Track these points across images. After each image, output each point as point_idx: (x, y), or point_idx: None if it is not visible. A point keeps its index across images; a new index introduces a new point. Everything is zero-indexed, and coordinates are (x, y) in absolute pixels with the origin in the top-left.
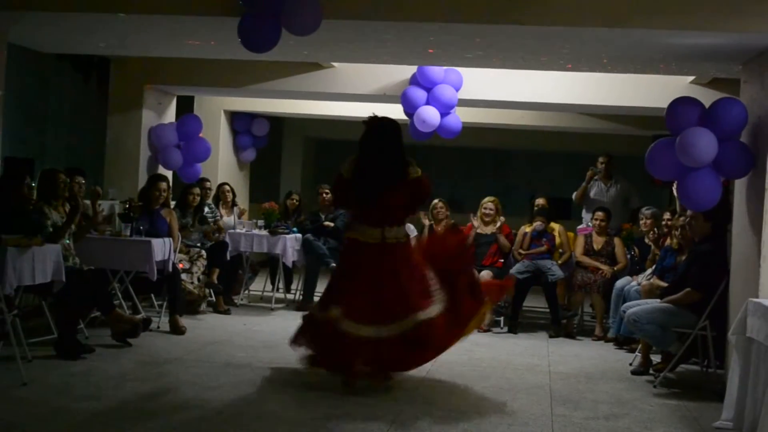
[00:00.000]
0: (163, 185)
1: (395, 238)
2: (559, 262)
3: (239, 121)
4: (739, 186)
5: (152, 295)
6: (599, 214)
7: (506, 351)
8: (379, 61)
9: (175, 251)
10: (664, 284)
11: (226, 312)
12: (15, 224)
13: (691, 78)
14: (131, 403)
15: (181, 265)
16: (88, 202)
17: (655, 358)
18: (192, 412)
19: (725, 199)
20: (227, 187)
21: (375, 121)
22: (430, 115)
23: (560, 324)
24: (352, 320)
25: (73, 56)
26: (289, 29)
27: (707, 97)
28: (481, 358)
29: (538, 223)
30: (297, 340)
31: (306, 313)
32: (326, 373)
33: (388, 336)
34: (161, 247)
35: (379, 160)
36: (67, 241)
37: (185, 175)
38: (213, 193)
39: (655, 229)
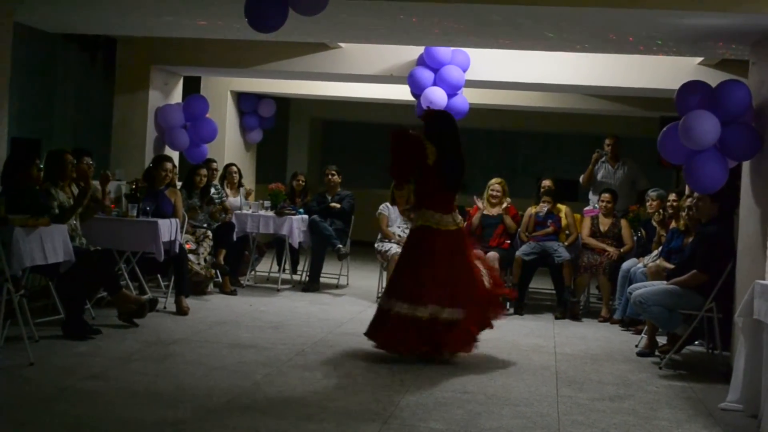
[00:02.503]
0: (169, 165)
1: (459, 223)
2: (566, 243)
3: (246, 102)
4: (747, 168)
5: (159, 276)
6: (605, 195)
7: (512, 332)
8: (386, 41)
9: (181, 231)
10: (671, 266)
11: (233, 293)
12: (22, 205)
13: (699, 59)
14: (137, 383)
15: (188, 246)
16: (97, 182)
17: (661, 340)
18: (198, 392)
19: (732, 182)
20: (234, 168)
21: (447, 114)
22: (437, 95)
23: (566, 305)
24: (438, 305)
25: (79, 36)
26: (296, 9)
27: (715, 78)
28: (487, 338)
29: (544, 204)
30: (373, 334)
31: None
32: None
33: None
34: (168, 228)
35: (459, 150)
36: (74, 222)
37: (192, 156)
38: (220, 173)
39: (661, 210)
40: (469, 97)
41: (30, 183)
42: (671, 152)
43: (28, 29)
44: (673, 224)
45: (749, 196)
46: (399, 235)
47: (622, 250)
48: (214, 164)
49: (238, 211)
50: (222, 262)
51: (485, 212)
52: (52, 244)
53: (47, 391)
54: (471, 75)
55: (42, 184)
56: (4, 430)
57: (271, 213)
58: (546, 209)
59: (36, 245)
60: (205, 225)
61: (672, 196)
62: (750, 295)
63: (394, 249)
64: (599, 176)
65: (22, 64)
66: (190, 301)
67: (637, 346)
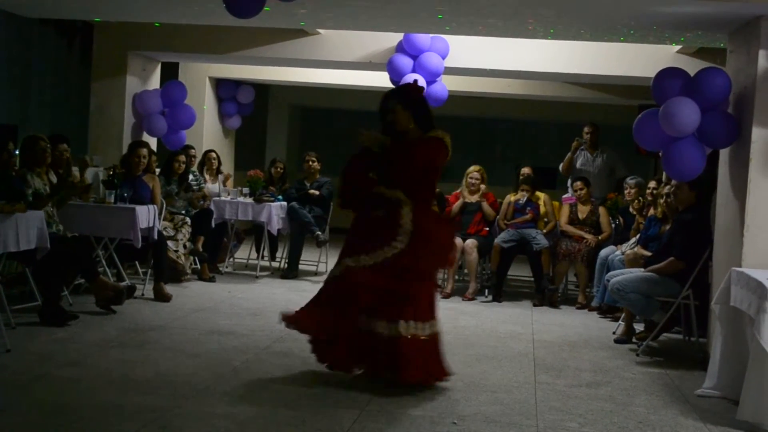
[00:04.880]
0: (143, 151)
1: None
2: (544, 231)
3: (224, 88)
4: (724, 155)
5: (137, 263)
6: (577, 183)
7: (490, 319)
8: (364, 27)
9: (159, 218)
10: (648, 253)
11: (211, 280)
12: None
13: (678, 47)
14: (114, 370)
15: (166, 233)
16: (76, 168)
17: (638, 327)
18: (175, 379)
19: (710, 169)
20: (213, 155)
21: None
22: None
23: (544, 293)
24: None
25: (56, 21)
26: None
27: (693, 66)
28: (466, 326)
29: (523, 192)
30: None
31: None
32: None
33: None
34: (146, 214)
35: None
36: (51, 208)
37: (170, 143)
38: (199, 160)
39: (640, 198)
40: (448, 85)
41: (5, 169)
42: (646, 139)
43: (4, 14)
44: (650, 212)
45: (726, 183)
46: None
47: (600, 237)
48: (193, 151)
49: (217, 198)
50: (200, 249)
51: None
52: (27, 230)
53: (24, 377)
54: (450, 62)
55: (18, 170)
56: None
57: (249, 200)
58: (525, 197)
59: (10, 231)
60: (183, 212)
61: (652, 184)
62: (727, 282)
63: None
64: (578, 164)
65: None
66: (168, 288)
67: (614, 333)
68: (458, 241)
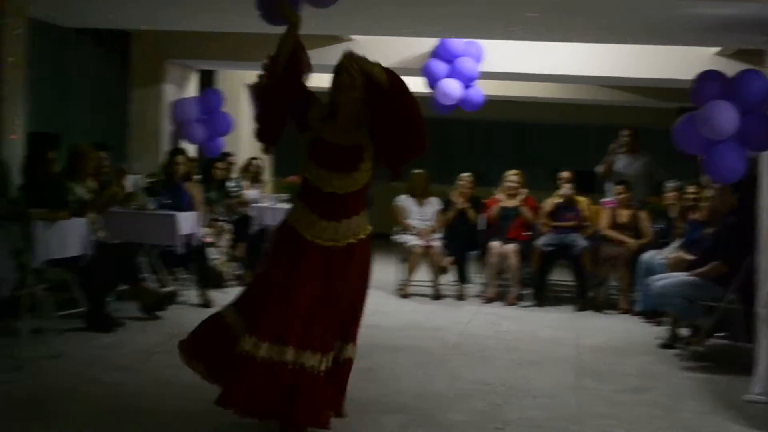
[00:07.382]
0: (180, 158)
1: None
2: (584, 235)
3: None
4: (765, 159)
5: (179, 269)
6: (618, 188)
7: (532, 324)
8: (400, 33)
9: (200, 224)
10: (691, 257)
11: None
12: (41, 198)
13: (716, 49)
14: (160, 375)
15: (207, 239)
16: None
17: (684, 332)
18: None
19: (754, 172)
20: (257, 162)
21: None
22: (451, 87)
23: (587, 297)
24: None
25: (93, 30)
26: (308, 1)
27: (732, 68)
28: (507, 330)
29: (566, 188)
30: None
31: None
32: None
33: None
34: (186, 221)
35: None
36: (94, 215)
37: (208, 150)
38: (239, 166)
39: (680, 202)
40: (483, 89)
41: (50, 177)
42: (686, 142)
43: (41, 23)
44: (692, 215)
45: None
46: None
47: (641, 241)
48: (232, 158)
49: (257, 204)
50: (241, 255)
51: (503, 204)
52: (72, 237)
53: (72, 382)
54: (485, 66)
55: (60, 178)
56: (29, 421)
57: (288, 206)
58: (568, 192)
59: (55, 238)
60: (223, 218)
61: (691, 188)
62: None
63: (413, 241)
64: (617, 167)
65: (38, 59)
66: (210, 294)
67: (658, 338)
68: (498, 245)
